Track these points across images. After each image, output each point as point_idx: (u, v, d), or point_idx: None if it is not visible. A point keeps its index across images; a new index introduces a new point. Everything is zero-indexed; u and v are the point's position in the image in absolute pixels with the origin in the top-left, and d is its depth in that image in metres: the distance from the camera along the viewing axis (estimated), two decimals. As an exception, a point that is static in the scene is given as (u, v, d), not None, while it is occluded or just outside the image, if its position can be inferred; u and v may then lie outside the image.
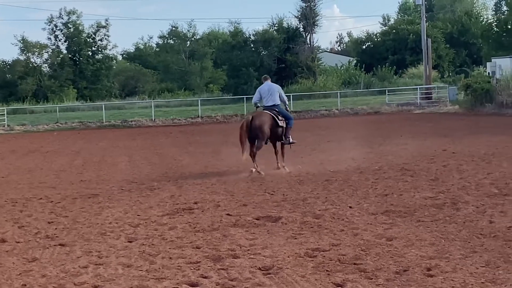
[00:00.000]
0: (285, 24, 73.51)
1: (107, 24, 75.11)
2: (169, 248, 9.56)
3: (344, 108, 50.30)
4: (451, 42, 79.72)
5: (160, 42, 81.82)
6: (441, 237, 9.62)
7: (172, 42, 77.81)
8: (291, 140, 18.71)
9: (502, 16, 70.88)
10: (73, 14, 73.93)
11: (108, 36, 75.77)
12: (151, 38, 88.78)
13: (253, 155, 18.06)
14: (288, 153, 21.87)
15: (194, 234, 10.44)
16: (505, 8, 75.70)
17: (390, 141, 25.30)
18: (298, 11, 71.24)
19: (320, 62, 72.58)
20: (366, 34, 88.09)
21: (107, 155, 25.52)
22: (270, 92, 18.75)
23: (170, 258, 9.02)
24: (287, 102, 19.31)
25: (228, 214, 11.98)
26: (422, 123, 36.71)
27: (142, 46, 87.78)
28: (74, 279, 8.15)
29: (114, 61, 79.45)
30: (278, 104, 18.71)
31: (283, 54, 69.82)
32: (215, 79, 74.79)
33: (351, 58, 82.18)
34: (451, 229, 10.12)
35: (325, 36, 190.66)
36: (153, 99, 59.82)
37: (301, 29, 72.67)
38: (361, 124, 37.87)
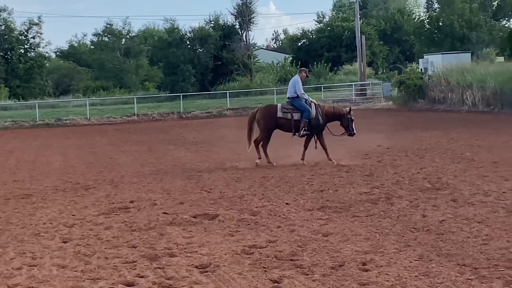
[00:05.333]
0: (221, 21, 73.52)
1: (40, 21, 73.80)
2: (105, 248, 9.47)
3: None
4: (384, 39, 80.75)
5: (94, 40, 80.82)
6: (375, 232, 9.77)
7: (107, 40, 76.96)
8: (301, 133, 18.74)
9: (434, 14, 72.19)
10: (4, 11, 72.45)
11: (41, 34, 74.42)
12: (85, 35, 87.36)
13: (256, 146, 18.98)
14: (226, 151, 21.95)
15: (130, 233, 10.37)
16: (436, 5, 77.12)
17: (325, 137, 25.44)
18: (235, 8, 71.31)
19: (256, 59, 72.73)
20: (301, 31, 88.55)
21: (41, 155, 25.12)
22: (290, 84, 19.15)
23: (106, 258, 8.94)
24: (299, 94, 18.91)
25: (164, 213, 11.93)
26: (357, 119, 36.89)
27: (76, 44, 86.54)
28: (7, 281, 8.01)
29: (48, 59, 78.11)
30: (293, 97, 18.90)
31: (220, 51, 69.75)
32: (151, 77, 74.29)
33: (287, 55, 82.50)
34: (386, 224, 10.28)
35: (261, 33, 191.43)
36: (88, 97, 59.00)
37: (237, 27, 72.75)
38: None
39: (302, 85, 19.24)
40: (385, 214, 10.99)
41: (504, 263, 7.95)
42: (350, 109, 19.27)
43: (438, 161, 17.45)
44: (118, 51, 73.99)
